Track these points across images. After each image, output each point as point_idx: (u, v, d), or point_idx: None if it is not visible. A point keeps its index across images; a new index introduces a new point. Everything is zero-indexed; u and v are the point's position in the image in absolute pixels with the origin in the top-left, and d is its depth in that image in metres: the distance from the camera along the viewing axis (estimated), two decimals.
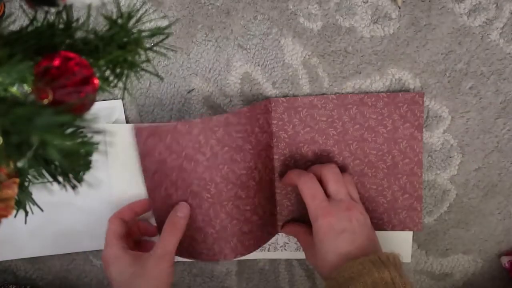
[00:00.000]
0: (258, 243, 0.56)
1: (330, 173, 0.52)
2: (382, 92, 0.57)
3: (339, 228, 0.48)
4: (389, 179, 0.57)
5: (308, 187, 0.51)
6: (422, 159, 0.56)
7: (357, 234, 0.49)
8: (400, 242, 0.59)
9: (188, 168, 0.53)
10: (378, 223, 0.58)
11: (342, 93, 0.57)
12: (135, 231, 0.58)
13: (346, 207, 0.50)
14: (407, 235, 0.59)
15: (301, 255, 0.61)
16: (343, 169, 0.57)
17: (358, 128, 0.56)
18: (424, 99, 0.57)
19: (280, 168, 0.58)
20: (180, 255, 0.55)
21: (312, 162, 0.57)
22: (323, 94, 0.57)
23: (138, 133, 0.55)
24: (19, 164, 0.32)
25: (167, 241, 0.50)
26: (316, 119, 0.57)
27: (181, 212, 0.53)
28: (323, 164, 0.54)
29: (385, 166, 0.57)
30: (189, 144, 0.52)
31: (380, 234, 0.59)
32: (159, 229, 0.57)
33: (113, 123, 0.58)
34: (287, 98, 0.57)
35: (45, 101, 0.29)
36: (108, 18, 0.32)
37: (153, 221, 0.59)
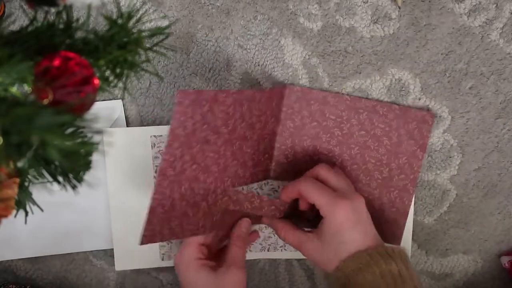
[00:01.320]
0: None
1: (325, 170, 0.52)
2: (391, 103, 0.57)
3: (354, 219, 0.49)
4: (381, 190, 0.57)
5: (311, 187, 0.51)
6: (417, 177, 0.56)
7: (368, 225, 0.50)
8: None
9: (323, 139, 0.56)
10: None
11: (355, 96, 0.57)
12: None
13: (353, 198, 0.50)
14: (407, 234, 0.59)
15: (301, 255, 0.61)
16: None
17: (364, 134, 0.56)
18: (424, 100, 0.57)
19: (278, 157, 0.58)
20: (161, 239, 0.52)
21: (310, 158, 0.57)
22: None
23: (289, 93, 0.56)
24: (19, 164, 0.32)
25: (240, 254, 0.54)
26: (325, 115, 0.56)
27: (245, 228, 0.56)
28: (313, 167, 0.54)
29: (380, 177, 0.57)
30: (331, 116, 0.55)
31: None
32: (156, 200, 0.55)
33: (113, 123, 0.58)
34: (302, 88, 0.56)
35: (45, 101, 0.29)
36: (108, 18, 0.32)
37: None
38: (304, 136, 0.57)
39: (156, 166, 0.58)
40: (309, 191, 0.51)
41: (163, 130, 0.57)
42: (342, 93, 0.57)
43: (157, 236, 0.49)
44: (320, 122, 0.57)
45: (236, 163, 0.53)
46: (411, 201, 0.57)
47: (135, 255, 0.60)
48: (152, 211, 0.47)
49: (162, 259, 0.60)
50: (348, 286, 0.48)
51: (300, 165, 0.57)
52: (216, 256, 0.55)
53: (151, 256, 0.60)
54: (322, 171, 0.53)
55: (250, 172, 0.55)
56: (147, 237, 0.48)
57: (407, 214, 0.57)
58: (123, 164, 0.58)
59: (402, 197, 0.57)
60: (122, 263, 0.60)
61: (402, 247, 0.49)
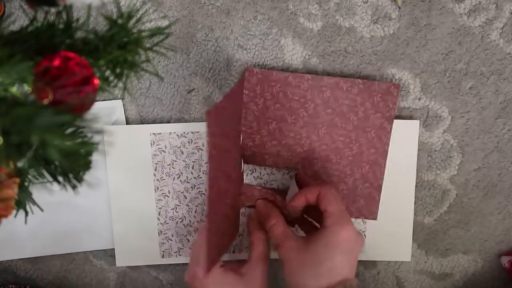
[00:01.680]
0: None
1: (333, 196, 0.51)
2: (358, 77, 0.57)
3: (352, 245, 0.48)
4: (352, 167, 0.57)
5: (333, 193, 0.50)
6: (387, 150, 0.56)
7: (353, 257, 0.49)
8: (400, 242, 0.59)
9: (289, 120, 0.56)
10: None
11: (317, 75, 0.57)
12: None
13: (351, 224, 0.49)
14: (407, 234, 0.59)
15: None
16: (309, 152, 0.57)
17: (330, 112, 0.56)
18: (424, 100, 0.57)
19: (245, 141, 0.57)
20: (217, 259, 0.51)
21: (277, 142, 0.57)
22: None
23: (249, 76, 0.56)
24: (19, 164, 0.32)
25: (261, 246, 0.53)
26: (288, 97, 0.56)
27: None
28: (321, 183, 0.54)
29: (350, 154, 0.57)
30: (295, 97, 0.55)
31: (380, 234, 0.59)
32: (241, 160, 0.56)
33: (113, 123, 0.58)
34: (262, 69, 0.56)
35: (45, 101, 0.29)
36: (108, 18, 0.32)
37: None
38: (269, 118, 0.57)
39: (155, 164, 0.58)
40: (329, 196, 0.49)
41: (163, 128, 0.57)
42: (303, 73, 0.57)
43: (215, 257, 0.49)
44: (284, 103, 0.56)
45: (236, 161, 0.54)
46: (383, 174, 0.57)
47: (136, 252, 0.60)
48: (209, 232, 0.46)
49: (162, 256, 0.60)
50: None
51: (267, 148, 0.57)
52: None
53: (151, 253, 0.60)
54: (327, 191, 0.50)
55: (238, 165, 0.56)
56: (210, 263, 0.47)
57: (381, 187, 0.57)
58: (123, 162, 0.58)
59: (374, 171, 0.57)
60: (123, 260, 0.60)
61: (356, 280, 0.48)
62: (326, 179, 0.57)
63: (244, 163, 0.58)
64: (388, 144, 0.56)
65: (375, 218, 0.58)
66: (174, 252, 0.60)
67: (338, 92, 0.56)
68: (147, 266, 0.61)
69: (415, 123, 0.57)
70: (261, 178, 0.59)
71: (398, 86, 0.55)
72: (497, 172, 0.59)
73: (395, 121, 0.57)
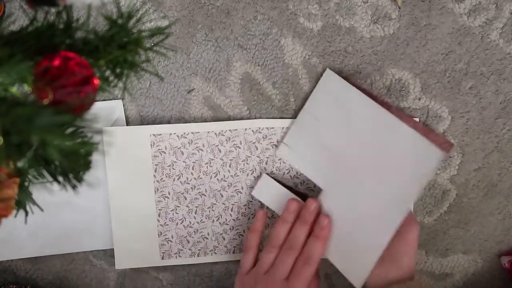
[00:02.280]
0: None
1: None
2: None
3: (416, 244, 0.53)
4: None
5: None
6: None
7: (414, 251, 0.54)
8: None
9: None
10: None
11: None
12: None
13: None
14: None
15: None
16: (348, 168, 0.57)
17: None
18: (424, 100, 0.57)
19: None
20: None
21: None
22: None
23: None
24: (19, 164, 0.32)
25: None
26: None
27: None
28: None
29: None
30: None
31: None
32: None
33: (113, 123, 0.58)
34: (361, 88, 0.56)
35: (45, 101, 0.29)
36: (108, 18, 0.32)
37: None
38: None
39: (155, 165, 0.58)
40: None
41: (163, 129, 0.57)
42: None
43: None
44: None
45: None
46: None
47: (135, 254, 0.60)
48: None
49: (162, 258, 0.60)
50: None
51: None
52: None
53: (151, 255, 0.60)
54: None
55: None
56: None
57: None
58: (123, 163, 0.58)
59: None
60: (122, 262, 0.60)
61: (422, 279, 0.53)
62: None
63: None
64: None
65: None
66: (174, 254, 0.60)
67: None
68: (147, 266, 0.61)
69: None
70: (297, 177, 0.59)
71: (453, 145, 0.57)
72: (497, 172, 0.59)
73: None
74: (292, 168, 0.58)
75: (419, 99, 0.57)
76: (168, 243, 0.60)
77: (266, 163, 0.58)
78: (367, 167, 0.54)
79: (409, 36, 0.56)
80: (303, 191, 0.59)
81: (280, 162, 0.58)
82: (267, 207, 0.58)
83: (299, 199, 0.56)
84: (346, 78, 0.55)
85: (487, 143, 0.58)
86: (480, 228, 0.60)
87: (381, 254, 0.51)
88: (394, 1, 0.55)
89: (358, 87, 0.55)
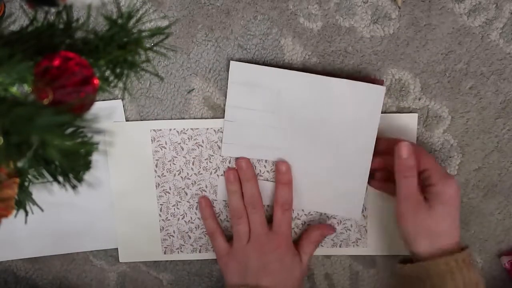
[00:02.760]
0: None
1: (422, 151, 0.53)
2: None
3: (458, 200, 0.52)
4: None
5: (429, 154, 0.54)
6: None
7: (458, 212, 0.52)
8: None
9: None
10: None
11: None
12: None
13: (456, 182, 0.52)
14: None
15: (365, 252, 0.61)
16: (302, 136, 0.57)
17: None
18: (424, 100, 0.57)
19: None
20: None
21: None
22: None
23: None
24: (19, 164, 0.32)
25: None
26: None
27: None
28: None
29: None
30: None
31: (381, 232, 0.59)
32: None
33: (113, 123, 0.58)
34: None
35: (45, 101, 0.29)
36: (108, 18, 0.32)
37: None
38: None
39: (156, 160, 0.58)
40: (427, 156, 0.52)
41: (163, 124, 0.58)
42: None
43: None
44: None
45: None
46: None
47: (138, 248, 0.60)
48: None
49: (164, 253, 0.61)
50: (424, 282, 0.49)
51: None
52: None
53: (153, 249, 0.60)
54: (414, 147, 0.52)
55: None
56: None
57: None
58: (125, 158, 0.58)
59: None
60: (126, 256, 0.61)
61: (469, 247, 0.51)
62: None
63: None
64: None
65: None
66: (176, 249, 0.60)
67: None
68: (147, 266, 0.61)
69: (414, 117, 0.57)
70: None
71: (383, 89, 0.55)
72: (497, 172, 0.59)
73: (393, 115, 0.57)
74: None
75: (419, 99, 0.57)
76: (170, 238, 0.60)
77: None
78: (319, 130, 0.55)
79: (409, 36, 0.56)
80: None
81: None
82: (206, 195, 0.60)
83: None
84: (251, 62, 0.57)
85: (487, 143, 0.58)
86: (480, 228, 0.60)
87: (365, 187, 0.53)
88: (394, 1, 0.55)
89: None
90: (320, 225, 0.59)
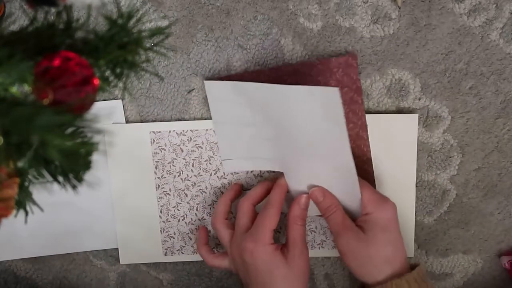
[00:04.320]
0: None
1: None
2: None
3: (396, 222, 0.52)
4: None
5: (363, 182, 0.53)
6: (365, 122, 0.55)
7: (399, 235, 0.53)
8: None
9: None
10: None
11: (273, 66, 0.56)
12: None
13: (389, 200, 0.53)
14: (409, 235, 0.59)
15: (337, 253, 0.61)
16: (291, 146, 0.56)
17: None
18: (424, 100, 0.57)
19: None
20: None
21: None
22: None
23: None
24: (19, 164, 0.32)
25: (303, 232, 0.53)
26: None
27: (304, 205, 0.54)
28: None
29: None
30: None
31: None
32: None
33: (113, 123, 0.58)
34: (220, 76, 0.56)
35: (45, 101, 0.29)
36: (108, 18, 0.32)
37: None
38: None
39: (156, 162, 0.58)
40: (361, 183, 0.51)
41: (162, 126, 0.58)
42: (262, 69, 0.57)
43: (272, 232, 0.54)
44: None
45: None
46: (369, 147, 0.56)
47: (139, 250, 0.60)
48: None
49: (165, 254, 0.60)
50: None
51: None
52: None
53: (154, 251, 0.60)
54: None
55: None
56: (271, 236, 0.53)
57: (371, 160, 0.57)
58: (125, 161, 0.58)
59: (360, 145, 0.56)
60: (127, 257, 0.61)
61: (422, 263, 0.52)
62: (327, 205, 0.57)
63: None
64: (364, 116, 0.56)
65: (374, 187, 0.57)
66: (177, 250, 0.60)
67: (298, 77, 0.55)
68: (147, 266, 0.61)
69: (414, 117, 0.57)
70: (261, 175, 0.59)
71: (356, 57, 0.55)
72: (497, 172, 0.59)
73: (393, 115, 0.57)
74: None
75: (419, 99, 0.57)
76: (170, 239, 0.60)
77: None
78: (298, 138, 0.53)
79: (409, 36, 0.56)
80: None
81: None
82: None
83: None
84: (226, 77, 0.56)
85: (487, 143, 0.58)
86: (480, 228, 0.60)
87: (358, 186, 0.51)
88: (394, 1, 0.55)
89: (244, 76, 0.56)
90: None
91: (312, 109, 0.49)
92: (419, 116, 0.57)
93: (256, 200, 0.55)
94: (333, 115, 0.48)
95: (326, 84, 0.55)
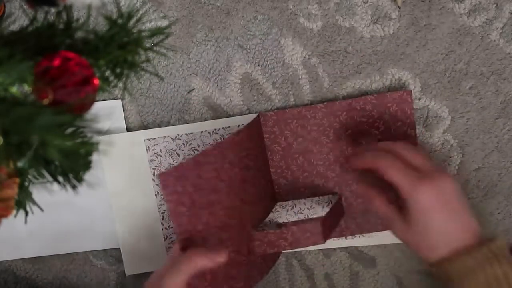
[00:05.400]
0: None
1: (402, 147, 0.49)
2: (372, 93, 0.57)
3: (441, 204, 0.45)
4: None
5: (392, 164, 0.46)
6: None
7: (462, 212, 0.46)
8: None
9: (314, 150, 0.57)
10: (364, 222, 0.58)
11: (328, 101, 0.57)
12: None
13: (439, 178, 0.45)
14: None
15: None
16: (342, 175, 0.57)
17: (351, 133, 0.56)
18: (413, 97, 0.57)
19: (277, 181, 0.58)
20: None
21: (308, 173, 0.57)
22: (312, 101, 0.57)
23: (264, 120, 0.56)
24: (19, 164, 0.32)
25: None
26: (307, 129, 0.57)
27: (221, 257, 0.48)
28: (390, 142, 0.50)
29: None
30: (313, 128, 0.56)
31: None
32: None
33: (113, 123, 0.58)
34: (276, 111, 0.57)
35: (45, 101, 0.29)
36: (108, 18, 0.32)
37: None
38: (295, 154, 0.57)
39: (153, 169, 0.58)
40: (388, 168, 0.46)
41: (156, 133, 0.57)
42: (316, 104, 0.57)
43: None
44: (305, 136, 0.57)
45: (247, 207, 0.54)
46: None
47: (143, 259, 0.60)
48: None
49: None
50: (450, 286, 0.46)
51: (301, 181, 0.58)
52: None
53: (158, 259, 0.60)
54: (399, 148, 0.48)
55: (262, 207, 0.56)
56: None
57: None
58: (122, 170, 0.58)
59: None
60: (132, 268, 0.60)
61: (503, 238, 0.46)
62: (364, 195, 0.56)
63: (283, 200, 0.59)
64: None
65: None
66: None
67: (353, 113, 0.56)
68: None
69: (407, 94, 0.57)
70: (301, 213, 0.59)
71: (410, 92, 0.56)
72: (497, 172, 0.59)
73: (386, 94, 0.57)
74: (295, 205, 0.59)
75: (419, 99, 0.57)
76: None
77: None
78: None
79: (409, 36, 0.56)
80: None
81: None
82: None
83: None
84: (281, 112, 0.57)
85: (487, 143, 0.58)
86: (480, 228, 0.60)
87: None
88: (394, 1, 0.55)
89: (300, 114, 0.57)
90: None
91: None
92: (419, 116, 0.57)
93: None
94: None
95: (380, 117, 0.55)
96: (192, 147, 0.58)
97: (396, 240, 0.59)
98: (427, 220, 0.46)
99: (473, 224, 0.47)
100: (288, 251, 0.60)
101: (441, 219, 0.46)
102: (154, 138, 0.57)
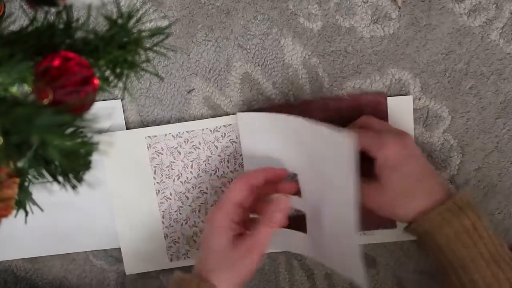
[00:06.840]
0: None
1: (367, 118, 0.53)
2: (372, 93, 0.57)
3: (406, 154, 0.48)
4: None
5: (361, 134, 0.49)
6: None
7: (424, 160, 0.50)
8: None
9: None
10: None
11: (305, 99, 0.56)
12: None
13: (400, 134, 0.50)
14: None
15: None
16: (307, 183, 0.55)
17: None
18: (424, 100, 0.57)
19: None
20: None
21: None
22: (310, 97, 0.57)
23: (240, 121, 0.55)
24: (19, 164, 0.32)
25: (268, 238, 0.48)
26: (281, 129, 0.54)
27: (284, 207, 0.49)
28: (356, 121, 0.54)
29: None
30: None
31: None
32: None
33: (113, 123, 0.58)
34: (251, 112, 0.55)
35: (45, 101, 0.29)
36: (108, 18, 0.32)
37: None
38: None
39: (154, 167, 0.58)
40: (359, 138, 0.48)
41: (157, 130, 0.57)
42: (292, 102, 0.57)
43: None
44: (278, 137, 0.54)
45: None
46: None
47: (144, 258, 0.60)
48: None
49: (171, 260, 0.60)
50: (424, 244, 0.48)
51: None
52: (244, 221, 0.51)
53: (159, 258, 0.60)
54: (364, 119, 0.53)
55: None
56: None
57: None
58: (122, 168, 0.58)
59: None
60: (132, 267, 0.60)
61: (467, 192, 0.48)
62: None
63: None
64: None
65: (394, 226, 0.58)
66: (183, 255, 0.60)
67: (329, 113, 0.56)
68: None
69: (409, 99, 0.57)
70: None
71: (385, 94, 0.56)
72: (497, 172, 0.59)
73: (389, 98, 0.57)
74: None
75: (419, 99, 0.57)
76: (175, 244, 0.60)
77: None
78: (314, 177, 0.52)
79: (409, 36, 0.56)
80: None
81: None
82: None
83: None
84: (257, 109, 0.56)
85: (487, 143, 0.58)
86: None
87: (359, 252, 0.48)
88: (394, 1, 0.55)
89: (274, 108, 0.55)
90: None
91: (327, 152, 0.48)
92: (419, 116, 0.57)
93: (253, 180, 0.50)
94: (345, 163, 0.46)
95: (355, 119, 0.55)
96: (193, 145, 0.58)
97: (396, 240, 0.59)
98: (398, 175, 0.48)
99: (439, 178, 0.49)
100: (288, 251, 0.60)
101: (410, 171, 0.48)
102: (155, 136, 0.58)
